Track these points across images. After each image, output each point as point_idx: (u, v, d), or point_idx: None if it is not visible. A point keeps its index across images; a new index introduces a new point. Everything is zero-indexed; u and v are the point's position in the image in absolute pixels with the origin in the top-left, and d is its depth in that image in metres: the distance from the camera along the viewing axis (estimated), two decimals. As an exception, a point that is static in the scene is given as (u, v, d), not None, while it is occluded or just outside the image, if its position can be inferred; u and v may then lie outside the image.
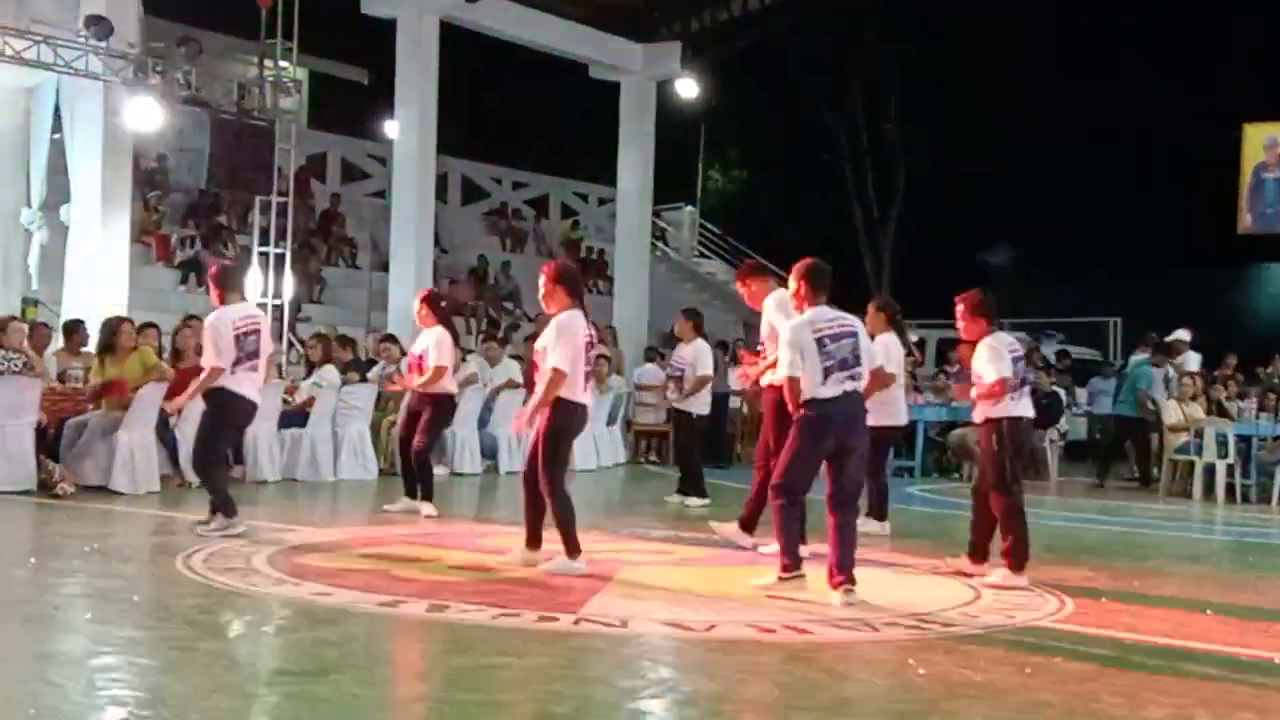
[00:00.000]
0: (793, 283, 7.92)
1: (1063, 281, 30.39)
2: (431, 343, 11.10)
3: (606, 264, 27.05)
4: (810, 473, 7.72)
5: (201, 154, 15.65)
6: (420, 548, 9.37)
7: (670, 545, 10.00)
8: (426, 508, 11.04)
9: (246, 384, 9.62)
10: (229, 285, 9.88)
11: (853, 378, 7.64)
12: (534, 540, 8.55)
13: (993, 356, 8.42)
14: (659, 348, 20.05)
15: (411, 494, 11.31)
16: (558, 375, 8.15)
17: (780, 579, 7.77)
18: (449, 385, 11.30)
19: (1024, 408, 8.53)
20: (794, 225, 32.38)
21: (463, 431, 15.03)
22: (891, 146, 33.63)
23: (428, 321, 11.21)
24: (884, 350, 11.07)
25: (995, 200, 32.56)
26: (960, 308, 8.65)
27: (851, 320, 7.83)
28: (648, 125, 23.01)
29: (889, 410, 11.27)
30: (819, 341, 7.56)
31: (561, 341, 8.19)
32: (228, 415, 9.70)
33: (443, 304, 11.57)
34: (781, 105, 34.15)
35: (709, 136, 34.29)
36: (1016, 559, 8.39)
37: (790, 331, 7.69)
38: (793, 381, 7.61)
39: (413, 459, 11.23)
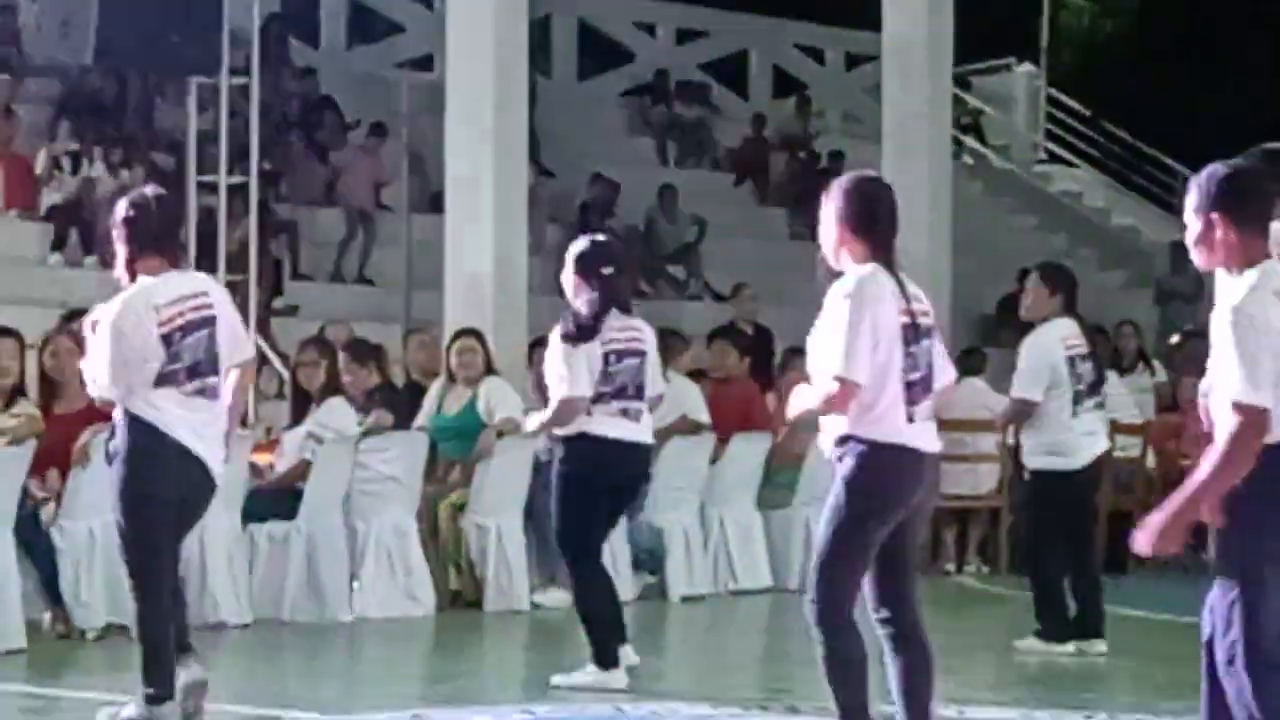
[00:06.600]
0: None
1: None
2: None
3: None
4: None
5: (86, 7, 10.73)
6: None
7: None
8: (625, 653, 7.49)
9: (182, 425, 6.29)
10: (143, 244, 6.52)
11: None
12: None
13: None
14: (979, 346, 12.86)
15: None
16: (845, 390, 4.71)
17: None
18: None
19: None
20: (1195, 102, 22.68)
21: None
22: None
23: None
24: None
25: None
26: None
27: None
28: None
29: None
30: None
31: (853, 329, 4.67)
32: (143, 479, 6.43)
33: (605, 270, 7.58)
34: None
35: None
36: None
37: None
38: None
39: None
